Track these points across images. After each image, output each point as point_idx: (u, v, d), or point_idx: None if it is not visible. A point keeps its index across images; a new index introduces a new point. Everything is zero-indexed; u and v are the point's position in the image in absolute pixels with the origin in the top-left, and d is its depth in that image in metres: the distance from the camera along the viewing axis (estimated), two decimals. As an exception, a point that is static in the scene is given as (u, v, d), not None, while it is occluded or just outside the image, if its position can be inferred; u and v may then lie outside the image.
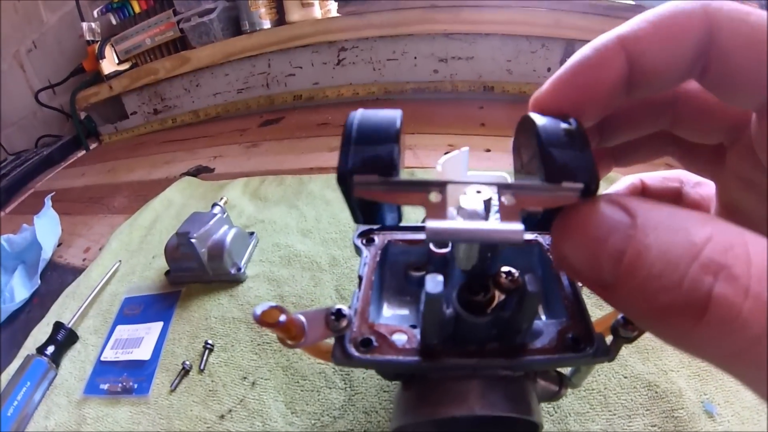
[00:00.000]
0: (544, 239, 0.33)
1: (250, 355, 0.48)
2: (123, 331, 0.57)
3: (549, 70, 1.10)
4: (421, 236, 0.34)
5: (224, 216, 0.62)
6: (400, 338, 0.26)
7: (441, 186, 0.18)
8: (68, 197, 1.06)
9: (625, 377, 0.43)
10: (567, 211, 0.18)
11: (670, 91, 0.22)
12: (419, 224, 0.36)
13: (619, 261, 0.15)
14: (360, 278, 0.31)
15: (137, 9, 1.31)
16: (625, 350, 0.45)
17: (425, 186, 0.18)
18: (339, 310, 0.26)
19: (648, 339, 0.47)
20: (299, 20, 1.17)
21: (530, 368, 0.28)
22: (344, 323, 0.25)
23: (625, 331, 0.26)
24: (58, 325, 0.57)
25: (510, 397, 0.26)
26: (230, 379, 0.46)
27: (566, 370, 0.33)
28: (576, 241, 0.17)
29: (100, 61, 1.36)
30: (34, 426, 0.48)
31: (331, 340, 0.27)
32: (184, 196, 0.85)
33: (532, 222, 0.19)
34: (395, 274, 0.34)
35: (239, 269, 0.58)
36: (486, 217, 0.20)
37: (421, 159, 0.86)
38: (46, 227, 0.82)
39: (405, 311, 0.32)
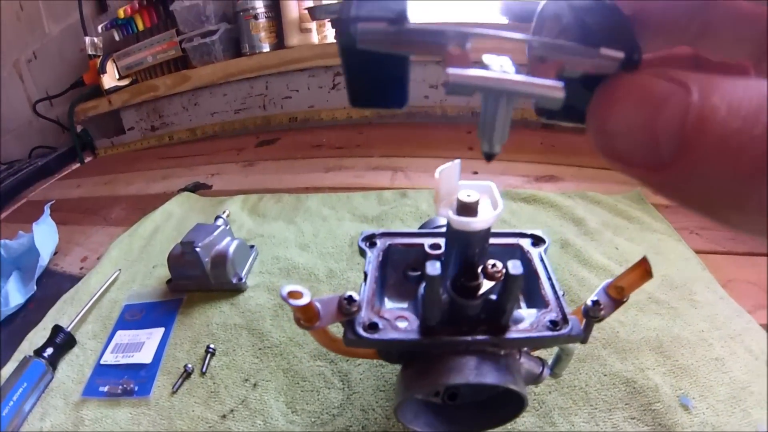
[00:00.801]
0: (525, 243, 0.39)
1: (251, 358, 0.50)
2: (124, 335, 0.58)
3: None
4: (419, 240, 0.39)
5: (227, 228, 0.64)
6: (402, 323, 0.31)
7: (462, 37, 0.17)
8: (64, 207, 1.07)
9: (605, 375, 0.47)
10: (610, 82, 0.16)
11: None
12: (417, 231, 0.42)
13: (681, 127, 0.14)
14: (365, 274, 0.35)
15: (141, 26, 1.35)
16: (604, 350, 0.49)
17: (443, 36, 0.16)
18: (350, 297, 0.30)
19: (626, 340, 0.51)
20: (297, 44, 1.22)
21: (514, 345, 0.32)
22: (355, 307, 0.29)
23: (595, 312, 0.31)
24: (56, 329, 0.58)
25: (498, 370, 0.30)
26: (232, 381, 0.48)
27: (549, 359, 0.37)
28: (624, 112, 0.16)
29: (102, 75, 1.39)
30: (27, 427, 0.49)
31: (339, 333, 0.31)
32: (183, 210, 0.87)
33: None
34: (395, 274, 0.39)
35: (240, 279, 0.60)
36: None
37: (413, 180, 0.89)
38: (44, 234, 0.84)
39: (404, 305, 0.37)
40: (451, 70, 0.16)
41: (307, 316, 0.29)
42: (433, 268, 0.27)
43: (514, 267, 0.28)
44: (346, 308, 0.29)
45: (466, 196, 0.30)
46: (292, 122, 1.33)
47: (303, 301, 0.27)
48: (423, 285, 0.29)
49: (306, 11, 1.17)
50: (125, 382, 0.51)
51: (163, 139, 1.46)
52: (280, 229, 0.73)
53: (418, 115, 1.24)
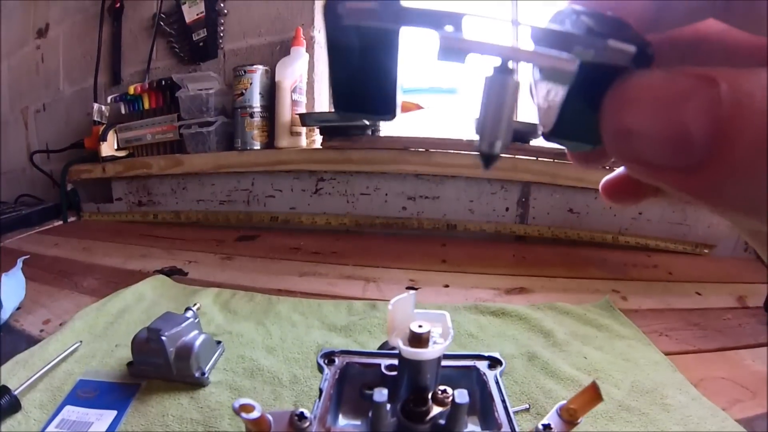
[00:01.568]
0: (481, 365, 0.41)
1: None
2: (72, 412, 0.57)
3: (507, 209, 1.26)
4: (376, 361, 0.41)
5: (196, 321, 0.66)
6: None
7: (456, 18, 0.16)
8: (38, 264, 1.07)
9: None
10: (625, 79, 0.15)
11: (692, 34, 0.20)
12: (375, 351, 0.44)
13: (715, 119, 0.13)
14: (321, 391, 0.37)
15: (147, 105, 1.44)
16: None
17: (436, 17, 0.16)
18: (302, 413, 0.32)
19: None
20: (286, 147, 1.29)
21: None
22: (306, 424, 0.32)
23: None
24: (3, 389, 0.56)
25: None
26: None
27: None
28: (646, 109, 0.14)
29: (101, 142, 1.45)
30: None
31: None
32: (155, 294, 0.89)
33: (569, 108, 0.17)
34: (352, 391, 0.40)
35: (203, 374, 0.61)
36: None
37: (384, 292, 0.92)
38: (12, 288, 0.84)
39: (358, 422, 0.38)
40: (445, 33, 0.15)
41: (259, 429, 0.31)
42: (380, 395, 0.30)
43: (461, 396, 0.31)
44: (296, 424, 0.32)
45: (418, 327, 0.32)
46: (273, 222, 1.38)
47: (254, 415, 0.30)
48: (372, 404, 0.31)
49: (297, 116, 1.26)
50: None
51: (148, 216, 1.49)
52: (249, 329, 0.74)
53: (395, 226, 1.30)
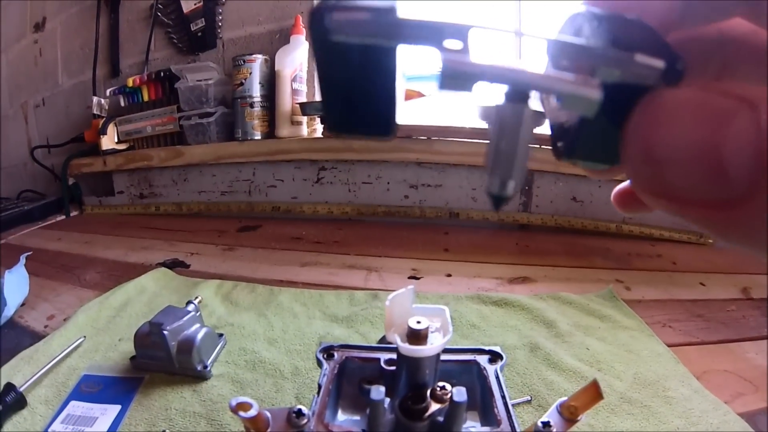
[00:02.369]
0: (482, 359, 0.40)
1: None
2: (77, 407, 0.58)
3: (517, 192, 1.24)
4: (375, 355, 0.40)
5: (197, 314, 0.66)
6: None
7: (461, 31, 0.14)
8: (41, 258, 1.08)
9: None
10: (653, 98, 0.14)
11: (718, 33, 0.19)
12: (375, 345, 0.44)
13: (757, 150, 0.11)
14: (319, 386, 0.37)
15: (146, 97, 1.43)
16: None
17: (438, 30, 0.14)
18: (300, 410, 0.32)
19: None
20: (287, 136, 1.29)
21: None
22: (303, 421, 0.32)
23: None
24: (8, 387, 0.57)
25: None
26: None
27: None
28: (677, 134, 0.13)
29: (102, 136, 1.44)
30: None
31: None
32: (158, 286, 0.89)
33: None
34: (351, 386, 0.40)
35: (205, 367, 0.61)
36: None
37: (386, 282, 0.92)
38: (15, 284, 0.84)
39: (357, 417, 0.38)
40: (449, 55, 0.14)
41: (256, 427, 0.31)
42: (377, 392, 0.30)
43: (459, 394, 0.30)
44: (294, 421, 0.32)
45: (416, 323, 0.32)
46: (275, 211, 1.38)
47: (251, 413, 0.30)
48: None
49: (297, 105, 1.25)
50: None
51: (150, 208, 1.50)
52: (251, 320, 0.74)
53: (397, 215, 1.30)
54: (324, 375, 0.39)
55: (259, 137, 1.32)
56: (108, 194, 1.57)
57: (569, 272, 0.97)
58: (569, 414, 0.34)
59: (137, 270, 0.95)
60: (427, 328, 0.32)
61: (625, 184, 0.22)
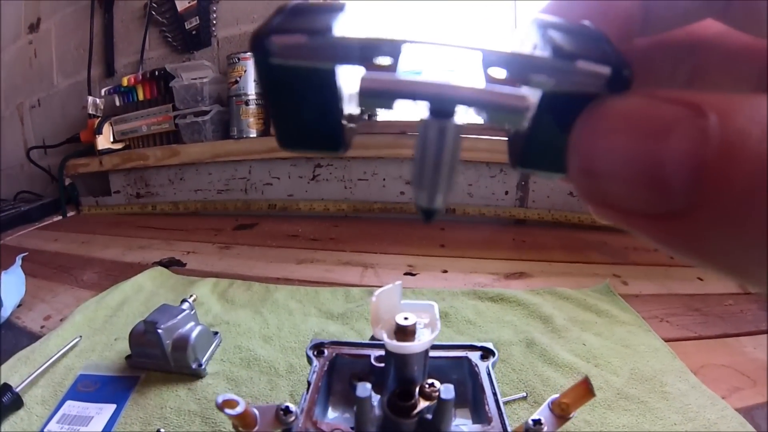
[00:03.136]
0: (474, 356, 0.40)
1: None
2: (73, 406, 0.58)
3: (506, 193, 1.25)
4: (366, 352, 0.40)
5: (192, 313, 0.66)
6: None
7: (393, 47, 0.14)
8: (38, 259, 1.08)
9: None
10: (595, 107, 0.13)
11: (687, 36, 0.18)
12: (365, 342, 0.44)
13: (700, 160, 0.11)
14: (309, 383, 0.37)
15: (141, 96, 1.43)
16: None
17: (370, 49, 0.14)
18: (287, 407, 0.32)
19: None
20: None
21: None
22: (291, 418, 0.32)
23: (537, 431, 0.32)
24: (5, 387, 0.57)
25: None
26: None
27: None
28: (616, 145, 0.12)
29: (97, 135, 1.44)
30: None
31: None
32: (154, 285, 0.89)
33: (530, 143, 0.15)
34: (341, 382, 0.40)
35: (200, 365, 0.61)
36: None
37: (382, 278, 0.92)
38: (12, 285, 0.84)
39: (347, 414, 0.38)
40: (368, 74, 0.13)
41: (244, 423, 0.31)
42: (363, 389, 0.30)
43: (446, 391, 0.30)
44: (282, 418, 0.32)
45: (403, 319, 0.32)
46: (271, 209, 1.38)
47: (237, 410, 0.30)
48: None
49: None
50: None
51: (146, 208, 1.50)
52: (246, 318, 0.74)
53: (393, 211, 1.30)
54: (314, 372, 0.39)
55: (254, 135, 1.32)
56: (104, 194, 1.57)
57: (566, 267, 0.97)
58: (561, 411, 0.34)
59: (134, 269, 0.95)
60: (415, 324, 0.32)
61: None
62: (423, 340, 0.31)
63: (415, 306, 0.33)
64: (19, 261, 0.94)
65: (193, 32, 1.43)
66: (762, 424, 0.52)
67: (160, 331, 0.59)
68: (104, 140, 1.45)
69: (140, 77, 1.41)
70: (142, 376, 0.62)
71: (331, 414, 0.39)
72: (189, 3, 1.40)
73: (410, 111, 0.15)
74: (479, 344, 0.42)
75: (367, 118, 1.23)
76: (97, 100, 1.51)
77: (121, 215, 1.52)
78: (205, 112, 1.32)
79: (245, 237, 1.22)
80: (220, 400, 0.29)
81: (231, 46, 1.41)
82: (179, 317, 0.63)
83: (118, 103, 1.46)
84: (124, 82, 1.42)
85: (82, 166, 1.53)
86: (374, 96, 0.14)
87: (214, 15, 1.41)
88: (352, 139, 0.17)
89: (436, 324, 0.32)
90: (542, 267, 0.97)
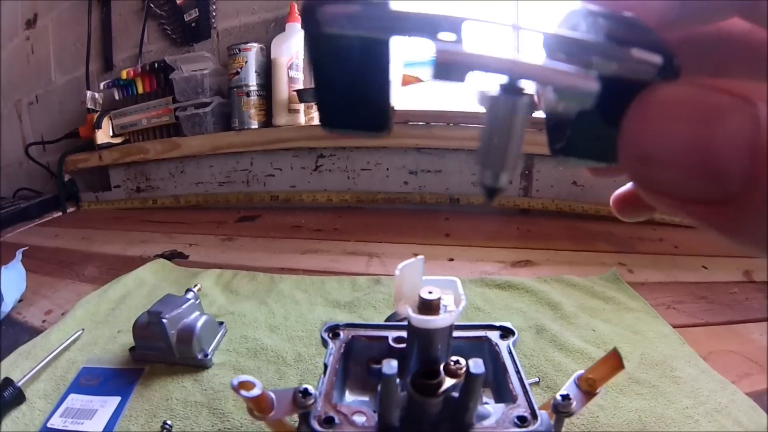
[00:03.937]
0: (493, 335, 0.39)
1: None
2: (76, 400, 0.57)
3: (510, 182, 1.23)
4: (383, 333, 0.39)
5: (197, 302, 0.65)
6: (359, 418, 0.31)
7: (455, 23, 0.14)
8: (38, 255, 1.07)
9: None
10: (648, 94, 0.13)
11: (714, 32, 0.19)
12: (382, 323, 0.42)
13: (752, 146, 0.11)
14: (325, 366, 0.36)
15: (141, 89, 1.42)
16: None
17: (432, 23, 0.14)
18: (306, 389, 0.31)
19: (606, 425, 0.50)
20: (285, 124, 1.27)
21: None
22: (310, 401, 0.30)
23: (565, 407, 0.31)
24: (6, 382, 0.56)
25: None
26: None
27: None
28: (670, 131, 0.12)
29: (96, 130, 1.43)
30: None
31: (294, 423, 0.32)
32: (157, 278, 0.88)
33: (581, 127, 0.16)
34: (358, 366, 0.39)
35: (206, 355, 0.60)
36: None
37: (388, 267, 0.92)
38: (12, 280, 0.83)
39: (366, 398, 0.37)
40: (442, 46, 0.14)
41: (259, 407, 0.30)
42: (389, 367, 0.28)
43: (476, 366, 0.29)
44: (300, 401, 0.30)
45: (428, 293, 0.31)
46: (274, 201, 1.37)
47: (254, 393, 0.28)
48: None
49: (294, 92, 1.24)
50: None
51: (147, 202, 1.48)
52: (252, 308, 0.73)
53: (397, 201, 1.29)
54: (330, 354, 0.37)
55: (256, 126, 1.30)
56: (104, 189, 1.56)
57: (572, 255, 0.97)
58: (588, 387, 0.33)
59: (136, 263, 0.94)
60: (439, 299, 0.31)
61: (623, 189, 0.23)
62: (449, 314, 0.30)
63: (438, 282, 0.32)
64: (19, 256, 0.92)
65: (193, 24, 1.41)
66: (772, 408, 0.52)
67: (164, 321, 0.58)
68: (103, 135, 1.44)
69: (139, 70, 1.40)
70: (146, 369, 0.61)
71: (349, 398, 0.38)
72: (188, -5, 1.39)
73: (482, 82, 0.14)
74: (498, 324, 0.41)
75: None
76: (96, 95, 1.49)
77: (122, 210, 1.51)
78: (206, 104, 1.31)
79: (248, 229, 1.21)
80: (235, 382, 0.28)
81: (231, 38, 1.39)
82: (184, 307, 0.61)
83: (117, 97, 1.45)
84: (123, 75, 1.40)
85: (81, 161, 1.52)
86: (450, 68, 0.14)
87: (214, 7, 1.39)
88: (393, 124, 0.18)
89: (461, 299, 0.31)
90: (548, 255, 0.96)
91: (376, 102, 0.16)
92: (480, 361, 0.29)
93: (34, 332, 0.72)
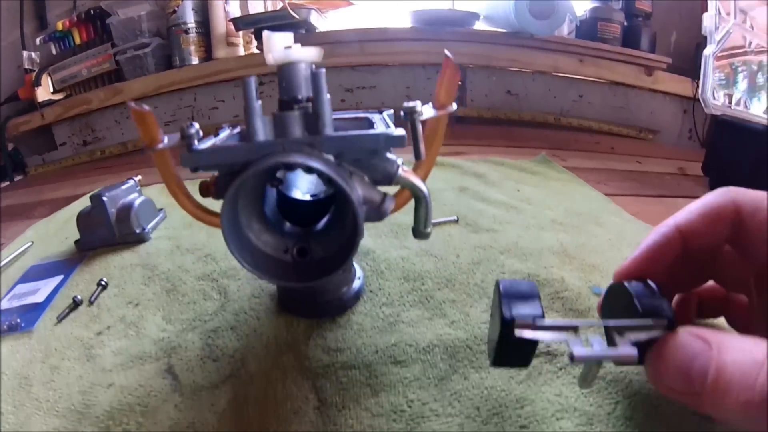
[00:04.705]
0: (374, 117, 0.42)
1: (140, 286, 0.52)
2: (23, 287, 0.58)
3: None
4: None
5: (137, 188, 0.68)
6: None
7: (575, 330, 0.26)
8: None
9: (503, 273, 0.48)
10: (659, 344, 0.25)
11: (710, 253, 0.31)
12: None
13: (705, 375, 0.21)
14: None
15: (78, 40, 1.40)
16: (501, 255, 0.51)
17: (565, 328, 0.26)
18: (191, 124, 0.34)
19: (526, 248, 0.52)
20: (224, 57, 1.29)
21: (332, 144, 0.34)
22: (194, 129, 0.34)
23: (411, 110, 0.36)
24: None
25: (327, 164, 0.33)
26: (116, 305, 0.50)
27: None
28: (670, 366, 0.23)
29: (36, 88, 1.40)
30: None
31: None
32: (104, 198, 0.88)
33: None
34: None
35: (144, 230, 0.63)
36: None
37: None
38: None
39: None
40: (577, 350, 0.25)
41: (149, 134, 0.34)
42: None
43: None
44: (185, 130, 0.34)
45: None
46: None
47: (145, 108, 0.33)
48: None
49: (230, 22, 1.25)
50: (12, 320, 0.51)
51: (95, 154, 1.47)
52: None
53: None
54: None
55: (196, 62, 1.31)
56: (50, 149, 1.53)
57: (505, 150, 1.00)
58: (440, 107, 0.37)
59: (86, 200, 0.94)
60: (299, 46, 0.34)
61: (626, 264, 0.33)
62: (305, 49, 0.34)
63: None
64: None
65: (125, -32, 1.38)
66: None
67: (104, 198, 0.61)
68: (44, 92, 1.42)
69: (75, 19, 1.38)
70: (89, 254, 0.63)
71: None
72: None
73: None
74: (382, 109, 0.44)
75: (304, 31, 1.23)
76: (33, 54, 1.46)
77: (71, 167, 1.48)
78: (146, 45, 1.31)
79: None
80: (131, 102, 0.32)
81: (167, -22, 1.37)
82: (123, 188, 0.65)
83: (54, 52, 1.42)
84: (59, 26, 1.38)
85: (23, 124, 1.48)
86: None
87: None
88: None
89: (320, 51, 0.35)
90: (481, 150, 1.00)
91: (528, 357, 0.28)
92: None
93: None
